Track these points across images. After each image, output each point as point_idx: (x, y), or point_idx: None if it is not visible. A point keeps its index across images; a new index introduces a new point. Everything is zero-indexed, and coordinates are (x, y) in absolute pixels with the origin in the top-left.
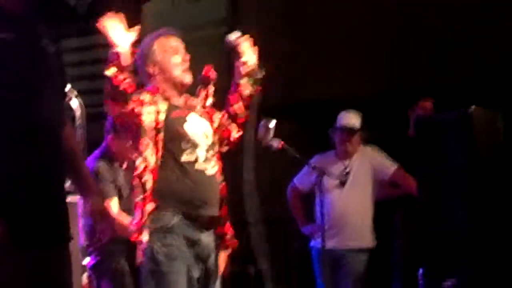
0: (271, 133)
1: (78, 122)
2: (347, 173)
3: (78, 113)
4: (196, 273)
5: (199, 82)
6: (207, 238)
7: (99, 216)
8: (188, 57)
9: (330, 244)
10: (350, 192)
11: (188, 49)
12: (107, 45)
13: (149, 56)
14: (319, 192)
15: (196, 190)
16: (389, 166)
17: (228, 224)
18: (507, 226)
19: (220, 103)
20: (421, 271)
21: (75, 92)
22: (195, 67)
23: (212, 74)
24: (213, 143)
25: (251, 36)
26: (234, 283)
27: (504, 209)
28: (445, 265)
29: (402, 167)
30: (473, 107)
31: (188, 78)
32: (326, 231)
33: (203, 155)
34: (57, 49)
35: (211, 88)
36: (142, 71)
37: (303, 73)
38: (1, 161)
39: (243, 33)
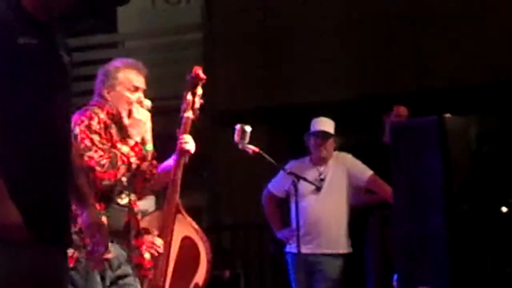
0: (247, 137)
1: None
2: (322, 179)
3: None
4: (108, 281)
5: (188, 82)
6: (116, 251)
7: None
8: (142, 98)
9: (305, 249)
10: (326, 197)
11: (163, 52)
12: (80, 48)
13: (111, 80)
14: (294, 198)
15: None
16: (364, 173)
17: (143, 255)
18: (482, 232)
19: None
20: (395, 277)
21: None
22: (169, 70)
23: (201, 75)
24: (133, 176)
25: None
26: (209, 287)
27: (479, 215)
28: (419, 271)
29: (376, 174)
30: (447, 114)
31: (126, 121)
32: (301, 237)
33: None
34: (70, 61)
35: (200, 90)
36: (98, 85)
37: (278, 79)
38: (19, 159)
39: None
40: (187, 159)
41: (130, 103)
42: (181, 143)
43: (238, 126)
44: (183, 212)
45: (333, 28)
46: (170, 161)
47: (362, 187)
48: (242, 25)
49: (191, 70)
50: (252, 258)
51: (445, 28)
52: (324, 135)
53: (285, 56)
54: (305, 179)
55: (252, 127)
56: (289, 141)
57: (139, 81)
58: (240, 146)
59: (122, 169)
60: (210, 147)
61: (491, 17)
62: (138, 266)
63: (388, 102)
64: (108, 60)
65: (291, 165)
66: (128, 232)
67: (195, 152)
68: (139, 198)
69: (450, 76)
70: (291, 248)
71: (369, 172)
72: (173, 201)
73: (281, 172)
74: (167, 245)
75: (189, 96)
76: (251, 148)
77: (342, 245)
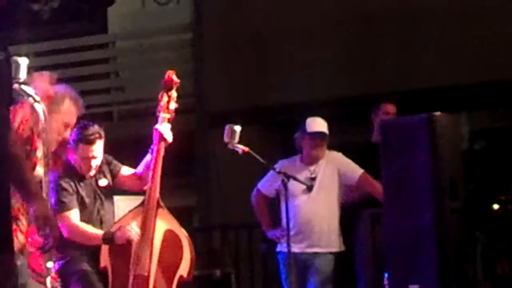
0: (236, 137)
1: (41, 126)
2: (313, 178)
3: (41, 117)
4: None
5: (162, 86)
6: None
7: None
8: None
9: (297, 248)
10: (317, 197)
11: (153, 53)
12: (70, 49)
13: (59, 107)
14: (284, 197)
15: None
16: (355, 171)
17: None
18: (473, 230)
19: (183, 109)
20: (386, 275)
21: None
22: (160, 71)
23: (174, 79)
24: None
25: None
26: (200, 287)
27: (469, 212)
28: (409, 269)
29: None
30: (437, 112)
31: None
32: (293, 236)
33: None
34: (6, 57)
35: (174, 94)
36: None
37: (268, 79)
38: None
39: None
40: (162, 149)
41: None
42: (157, 130)
43: (227, 126)
44: (164, 206)
45: (324, 28)
46: (148, 156)
47: (353, 185)
48: (231, 25)
49: (165, 74)
50: (243, 258)
51: (434, 27)
52: (322, 136)
53: (274, 56)
54: (295, 178)
55: (242, 127)
56: (280, 141)
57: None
58: (229, 146)
59: None
60: (200, 147)
61: (480, 16)
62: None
63: (379, 101)
64: (98, 61)
65: (280, 165)
66: None
67: (185, 152)
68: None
69: (441, 75)
70: (282, 247)
71: (359, 171)
72: (154, 196)
73: (271, 171)
74: (150, 239)
75: (164, 98)
76: (241, 148)
77: (334, 244)
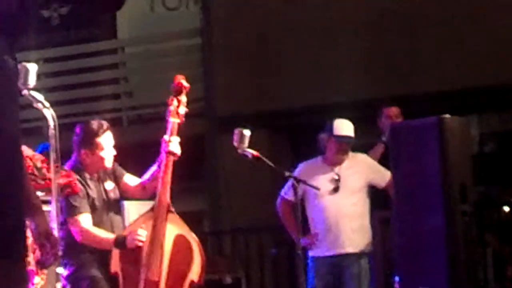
0: (246, 141)
1: (50, 132)
2: (338, 180)
3: (51, 123)
4: None
5: (171, 91)
6: None
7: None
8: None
9: (328, 252)
10: (344, 197)
11: (162, 58)
12: (80, 55)
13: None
14: (308, 201)
15: None
16: (386, 174)
17: None
18: (482, 233)
19: (193, 113)
20: (396, 278)
21: (48, 103)
22: (169, 76)
23: (184, 83)
24: None
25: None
26: None
27: (478, 216)
28: (419, 272)
29: None
30: (446, 115)
31: None
32: (322, 239)
33: None
34: (15, 65)
35: (184, 98)
36: None
37: (277, 82)
38: None
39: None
40: (171, 161)
41: None
42: (166, 145)
43: (237, 130)
44: (174, 211)
45: (332, 31)
46: (154, 167)
47: (383, 187)
48: (240, 29)
49: (174, 79)
50: (253, 262)
51: (445, 29)
52: (350, 140)
53: (283, 60)
54: (305, 183)
55: (252, 131)
56: (290, 145)
57: None
58: (239, 151)
59: None
60: (209, 152)
61: (492, 18)
62: None
63: (385, 105)
64: (108, 66)
65: (301, 168)
66: None
67: (195, 156)
68: None
69: (452, 78)
70: (314, 252)
71: (388, 174)
72: (164, 201)
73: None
74: (160, 244)
75: (174, 102)
76: (251, 152)
77: (365, 243)
